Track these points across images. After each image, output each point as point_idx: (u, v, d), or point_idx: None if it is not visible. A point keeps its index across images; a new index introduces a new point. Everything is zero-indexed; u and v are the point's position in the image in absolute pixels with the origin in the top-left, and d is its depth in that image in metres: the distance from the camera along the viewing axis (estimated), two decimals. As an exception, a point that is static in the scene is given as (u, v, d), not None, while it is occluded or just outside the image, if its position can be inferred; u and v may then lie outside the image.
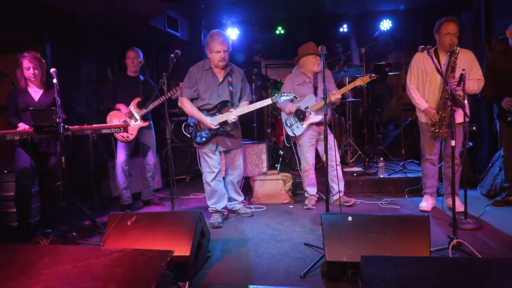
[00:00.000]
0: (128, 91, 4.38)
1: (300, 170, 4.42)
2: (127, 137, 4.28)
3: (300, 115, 4.12)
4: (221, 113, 3.69)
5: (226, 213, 4.01)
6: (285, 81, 4.40)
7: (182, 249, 2.57)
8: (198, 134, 3.76)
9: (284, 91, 4.21)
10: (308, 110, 4.11)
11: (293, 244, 3.25)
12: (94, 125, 3.60)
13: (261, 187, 4.62)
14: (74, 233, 3.26)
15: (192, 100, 3.76)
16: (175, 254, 2.49)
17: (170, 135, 3.40)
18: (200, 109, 3.73)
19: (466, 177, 3.88)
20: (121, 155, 4.35)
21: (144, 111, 4.34)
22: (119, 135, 4.23)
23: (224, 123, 3.68)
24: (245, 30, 6.69)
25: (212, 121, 3.64)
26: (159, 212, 3.32)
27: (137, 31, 5.44)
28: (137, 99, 4.36)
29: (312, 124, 4.17)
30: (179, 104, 3.78)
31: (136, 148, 4.60)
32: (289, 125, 4.27)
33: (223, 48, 3.59)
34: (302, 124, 4.18)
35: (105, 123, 4.27)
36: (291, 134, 4.30)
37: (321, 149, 4.23)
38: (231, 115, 3.63)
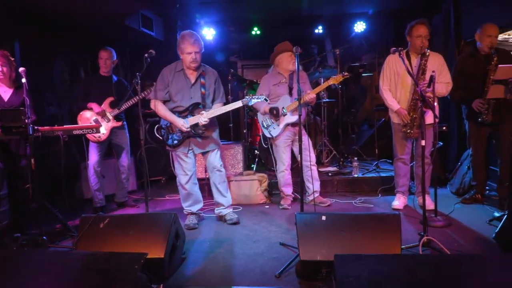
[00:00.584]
0: (101, 91, 4.30)
1: (276, 170, 4.44)
2: (99, 137, 4.20)
3: (274, 111, 4.11)
4: (193, 115, 3.64)
5: (202, 214, 3.98)
6: (261, 82, 4.41)
7: (156, 251, 2.54)
8: (170, 137, 3.71)
9: (261, 92, 4.23)
10: (284, 110, 4.14)
11: (269, 244, 3.26)
12: (65, 126, 3.51)
13: (237, 187, 4.61)
14: (44, 237, 3.16)
15: (165, 102, 3.71)
16: (149, 256, 2.46)
17: (144, 136, 3.34)
18: (173, 111, 3.67)
19: (436, 176, 4.01)
20: (93, 156, 4.26)
21: (117, 111, 4.26)
22: (90, 135, 4.14)
23: (196, 125, 3.63)
24: (221, 30, 6.66)
25: (184, 124, 3.59)
26: (132, 214, 3.27)
27: (111, 30, 5.35)
28: (110, 99, 4.28)
29: (288, 124, 4.20)
30: (152, 106, 3.72)
31: (109, 149, 4.52)
32: (265, 126, 4.29)
33: (194, 49, 3.52)
34: (278, 125, 4.20)
35: (77, 123, 4.17)
36: (268, 135, 4.31)
37: (296, 149, 4.26)
38: (202, 118, 3.56)
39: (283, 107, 4.13)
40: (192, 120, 3.61)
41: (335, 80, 4.07)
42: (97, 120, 4.18)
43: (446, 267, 2.07)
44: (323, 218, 2.58)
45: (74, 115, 4.34)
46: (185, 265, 2.91)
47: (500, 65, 3.51)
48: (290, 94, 4.20)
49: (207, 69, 3.78)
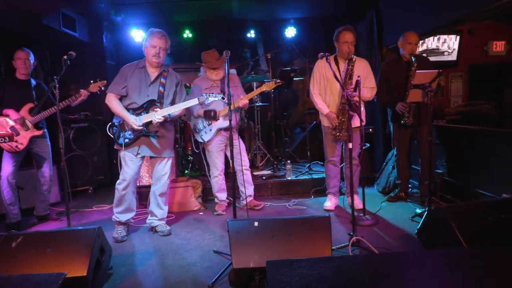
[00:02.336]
0: (18, 95, 3.91)
1: (210, 176, 4.36)
2: (16, 147, 3.81)
3: (211, 112, 4.02)
4: (148, 113, 3.44)
5: (132, 223, 3.76)
6: (193, 86, 4.30)
7: (77, 270, 2.34)
8: (121, 135, 3.48)
9: (193, 95, 4.13)
10: (217, 115, 4.08)
11: (202, 253, 3.18)
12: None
13: (170, 195, 4.41)
14: None
15: (121, 98, 3.51)
16: (70, 275, 2.28)
17: (63, 145, 3.05)
18: (127, 108, 3.47)
19: (365, 176, 4.18)
20: (7, 167, 3.86)
21: (37, 118, 3.90)
22: (5, 144, 3.74)
23: (149, 123, 3.44)
24: (151, 32, 6.43)
25: (135, 121, 3.38)
26: (50, 230, 2.92)
27: (28, 30, 4.90)
28: (29, 105, 3.91)
29: (220, 129, 4.14)
30: (106, 101, 3.50)
31: (28, 158, 4.13)
32: (197, 131, 4.19)
33: (159, 43, 3.41)
34: (211, 130, 4.12)
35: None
36: (200, 140, 4.22)
37: (230, 154, 4.21)
38: (156, 115, 3.37)
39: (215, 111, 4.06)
40: (145, 117, 3.41)
41: (268, 86, 4.09)
42: (14, 128, 3.79)
43: (374, 266, 2.14)
44: (256, 224, 2.55)
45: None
46: (112, 281, 2.73)
47: (418, 71, 3.74)
48: (223, 98, 4.14)
49: (170, 71, 3.65)
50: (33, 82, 4.11)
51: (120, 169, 3.60)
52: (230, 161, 3.16)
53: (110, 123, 3.57)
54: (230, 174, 4.83)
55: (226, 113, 4.05)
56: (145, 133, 3.47)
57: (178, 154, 5.42)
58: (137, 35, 6.09)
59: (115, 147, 3.58)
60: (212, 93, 3.49)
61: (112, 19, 5.72)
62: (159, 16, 6.19)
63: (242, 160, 4.16)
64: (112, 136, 3.54)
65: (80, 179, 5.50)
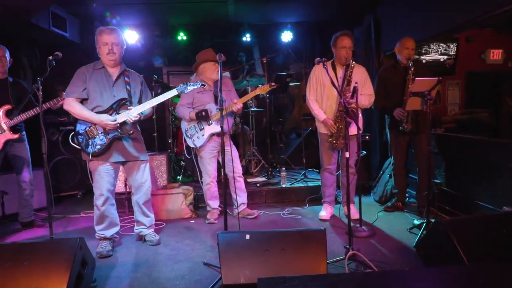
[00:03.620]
0: None
1: (202, 182, 4.22)
2: None
3: (202, 113, 3.86)
4: (119, 114, 3.21)
5: (117, 238, 3.50)
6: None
7: (56, 284, 2.19)
8: (90, 142, 3.16)
9: (185, 100, 4.01)
10: (210, 120, 3.95)
11: (192, 265, 3.03)
12: None
13: (160, 202, 4.30)
14: None
15: (82, 102, 3.22)
16: (47, 290, 2.13)
17: (46, 150, 2.87)
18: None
19: (361, 184, 4.06)
20: None
21: (14, 121, 3.69)
22: None
23: (123, 124, 3.21)
24: (145, 34, 6.30)
25: (111, 118, 3.13)
26: (27, 241, 2.73)
27: (15, 28, 4.75)
28: (6, 107, 3.70)
29: (213, 134, 4.01)
30: (65, 107, 3.20)
31: (6, 162, 3.93)
32: (189, 135, 4.06)
33: (110, 39, 3.16)
34: (203, 135, 3.99)
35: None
36: (191, 145, 4.08)
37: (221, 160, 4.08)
38: (131, 113, 3.15)
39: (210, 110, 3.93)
40: (120, 117, 3.17)
41: (262, 90, 3.97)
42: None
43: (372, 285, 2.01)
44: (247, 237, 2.41)
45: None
46: (95, 295, 2.58)
47: (417, 78, 3.64)
48: (216, 102, 4.01)
49: (130, 70, 3.42)
50: (10, 80, 3.88)
51: (93, 183, 3.32)
52: (222, 168, 3.01)
53: (73, 133, 3.22)
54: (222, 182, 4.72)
55: (218, 117, 3.92)
56: (120, 134, 3.21)
57: (170, 160, 5.28)
58: (130, 36, 5.96)
59: (83, 158, 3.25)
60: (191, 83, 3.28)
61: (104, 20, 5.58)
62: (153, 17, 6.08)
63: (234, 167, 4.02)
64: (78, 147, 3.20)
65: (69, 183, 5.34)
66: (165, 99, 3.26)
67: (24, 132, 3.95)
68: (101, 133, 3.19)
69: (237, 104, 3.90)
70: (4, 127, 3.69)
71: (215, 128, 3.94)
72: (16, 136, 3.76)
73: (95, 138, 3.19)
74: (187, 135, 4.08)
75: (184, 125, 4.12)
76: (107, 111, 3.20)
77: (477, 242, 2.43)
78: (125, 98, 3.25)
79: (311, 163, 5.69)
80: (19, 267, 2.26)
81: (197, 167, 4.35)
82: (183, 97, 4.06)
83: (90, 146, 3.18)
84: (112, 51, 3.18)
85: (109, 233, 3.37)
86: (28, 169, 3.99)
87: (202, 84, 3.31)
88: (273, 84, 4.00)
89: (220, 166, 4.21)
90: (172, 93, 3.26)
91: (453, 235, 2.41)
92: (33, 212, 4.17)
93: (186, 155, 4.47)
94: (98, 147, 3.18)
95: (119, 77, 3.30)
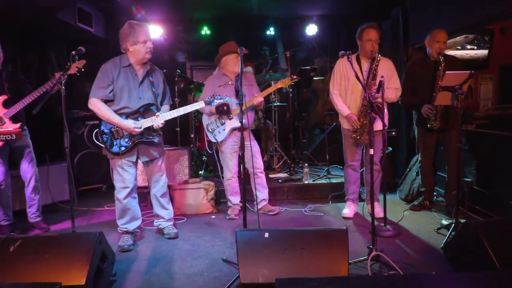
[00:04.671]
0: None
1: (223, 178, 4.20)
2: None
3: (224, 107, 3.79)
4: (145, 118, 3.23)
5: (138, 232, 3.53)
6: (206, 83, 4.16)
7: (75, 278, 2.21)
8: (115, 143, 3.20)
9: (206, 94, 3.97)
10: (231, 115, 3.91)
11: (211, 261, 3.01)
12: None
13: (181, 197, 4.31)
14: None
15: (106, 102, 3.22)
16: (67, 283, 2.15)
17: (68, 144, 2.87)
18: (117, 113, 3.19)
19: (386, 182, 3.93)
20: None
21: (12, 110, 3.55)
22: None
23: (148, 129, 3.24)
24: (168, 29, 6.31)
25: (136, 125, 3.17)
26: (50, 234, 2.73)
27: (42, 24, 4.83)
28: (2, 97, 3.58)
29: (234, 129, 3.96)
30: (91, 107, 3.20)
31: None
32: (210, 130, 4.03)
33: (150, 36, 3.19)
34: (224, 130, 3.95)
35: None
36: (213, 140, 4.06)
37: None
38: (158, 120, 3.18)
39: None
40: (145, 122, 3.20)
41: (283, 83, 3.89)
42: None
43: (394, 288, 1.92)
44: (266, 235, 2.36)
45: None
46: (114, 289, 2.60)
47: (447, 72, 3.46)
48: (237, 96, 3.97)
49: (153, 67, 3.40)
50: (4, 73, 3.72)
51: (114, 177, 3.36)
52: (247, 163, 2.94)
53: (97, 131, 3.25)
54: (245, 176, 4.68)
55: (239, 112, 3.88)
56: (145, 139, 3.25)
57: (193, 154, 5.29)
58: (154, 31, 5.97)
59: (108, 156, 3.31)
60: (218, 96, 3.32)
61: (129, 15, 5.62)
62: (177, 12, 6.08)
63: (255, 162, 3.95)
64: (102, 145, 3.24)
65: (94, 176, 5.44)
66: (192, 109, 3.34)
67: (26, 128, 3.81)
68: (127, 135, 3.23)
69: (257, 98, 3.84)
70: (5, 118, 3.56)
71: (236, 122, 3.90)
72: (17, 125, 3.59)
73: (120, 139, 3.23)
74: (208, 130, 4.06)
75: (205, 120, 4.10)
76: (134, 114, 3.23)
77: (510, 246, 2.28)
78: (151, 103, 3.28)
79: (335, 160, 5.56)
80: (41, 261, 2.29)
81: (218, 162, 4.33)
82: (205, 90, 4.04)
83: (115, 146, 3.23)
84: (152, 50, 3.21)
85: (131, 226, 3.40)
86: (31, 163, 3.82)
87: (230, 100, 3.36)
88: (294, 77, 3.92)
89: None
90: (199, 104, 3.33)
91: (484, 237, 2.28)
92: (38, 212, 3.91)
93: (208, 150, 4.46)
94: (123, 148, 3.23)
95: (145, 77, 3.30)
